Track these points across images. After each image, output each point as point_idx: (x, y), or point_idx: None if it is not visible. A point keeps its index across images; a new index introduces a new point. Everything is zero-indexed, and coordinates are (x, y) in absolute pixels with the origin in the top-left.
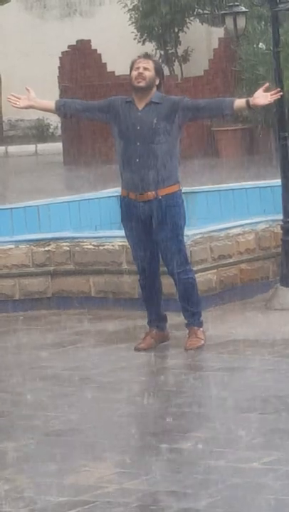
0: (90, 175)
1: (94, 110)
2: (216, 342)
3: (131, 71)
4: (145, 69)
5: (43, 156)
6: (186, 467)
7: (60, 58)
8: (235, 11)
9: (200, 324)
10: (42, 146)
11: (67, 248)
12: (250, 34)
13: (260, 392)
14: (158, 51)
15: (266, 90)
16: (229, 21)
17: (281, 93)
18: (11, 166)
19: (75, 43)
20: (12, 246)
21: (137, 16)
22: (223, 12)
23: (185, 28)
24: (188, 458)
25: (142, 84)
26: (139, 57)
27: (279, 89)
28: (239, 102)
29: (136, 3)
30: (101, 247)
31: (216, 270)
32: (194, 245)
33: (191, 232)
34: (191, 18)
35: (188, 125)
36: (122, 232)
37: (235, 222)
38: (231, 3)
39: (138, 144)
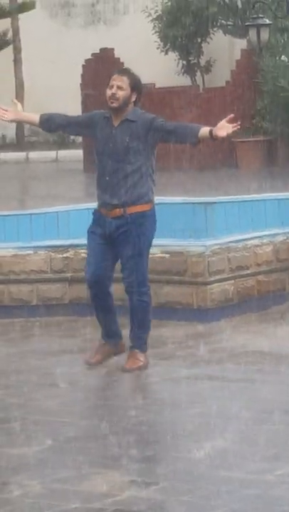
0: None
1: (76, 125)
2: (232, 353)
3: (107, 87)
4: (118, 88)
5: (63, 163)
6: (198, 477)
7: (84, 66)
8: (259, 23)
9: (143, 349)
10: (63, 153)
11: (85, 255)
12: (273, 46)
13: (275, 404)
14: (181, 61)
15: (230, 121)
16: (253, 33)
17: (239, 126)
18: (31, 172)
19: (98, 51)
20: (31, 252)
21: (160, 25)
22: (247, 24)
23: (208, 39)
24: (200, 468)
25: (115, 105)
26: (114, 73)
27: (239, 122)
28: (203, 132)
29: (160, 13)
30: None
31: (233, 281)
32: (212, 256)
33: (209, 243)
34: (215, 29)
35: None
36: None
37: (253, 234)
38: (255, 15)
39: (110, 161)
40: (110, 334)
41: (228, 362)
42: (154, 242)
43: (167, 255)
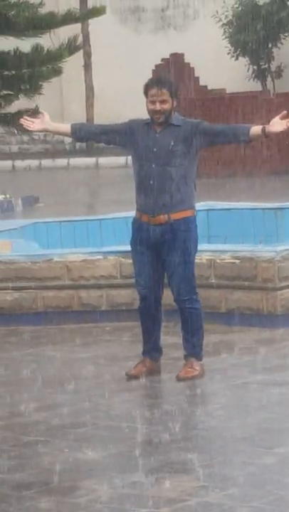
0: None
1: (112, 133)
2: None
3: (146, 97)
4: (162, 103)
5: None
6: (268, 483)
7: (153, 71)
8: None
9: (199, 358)
10: None
11: None
12: None
13: None
14: (251, 66)
15: (283, 118)
16: None
17: None
18: (101, 177)
19: (168, 57)
20: (100, 257)
21: (230, 30)
22: None
23: (279, 44)
24: (270, 474)
25: (162, 119)
26: (152, 86)
27: None
28: (255, 130)
29: (230, 17)
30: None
31: None
32: (282, 261)
33: (280, 248)
34: (286, 34)
35: (280, 141)
36: (210, 246)
37: None
38: None
39: (154, 166)
40: (153, 348)
41: None
42: (224, 247)
43: (237, 261)
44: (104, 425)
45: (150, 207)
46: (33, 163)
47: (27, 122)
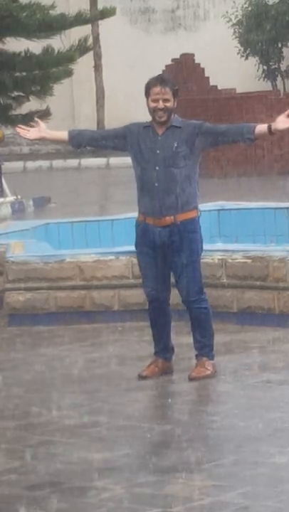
0: None
1: (111, 137)
2: None
3: (147, 96)
4: (165, 101)
5: None
6: (281, 482)
7: (164, 72)
8: None
9: (211, 357)
10: None
11: None
12: None
13: None
14: (261, 66)
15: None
16: None
17: None
18: (112, 177)
19: (178, 57)
20: (112, 257)
21: (240, 30)
22: None
23: None
24: (284, 473)
25: (165, 119)
26: (155, 84)
27: None
28: (261, 128)
29: (240, 18)
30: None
31: None
32: None
33: None
34: None
35: None
36: (221, 246)
37: None
38: None
39: (157, 168)
40: (165, 349)
41: None
42: (236, 247)
43: (249, 260)
44: (117, 425)
45: (155, 209)
46: (44, 164)
47: (22, 131)
